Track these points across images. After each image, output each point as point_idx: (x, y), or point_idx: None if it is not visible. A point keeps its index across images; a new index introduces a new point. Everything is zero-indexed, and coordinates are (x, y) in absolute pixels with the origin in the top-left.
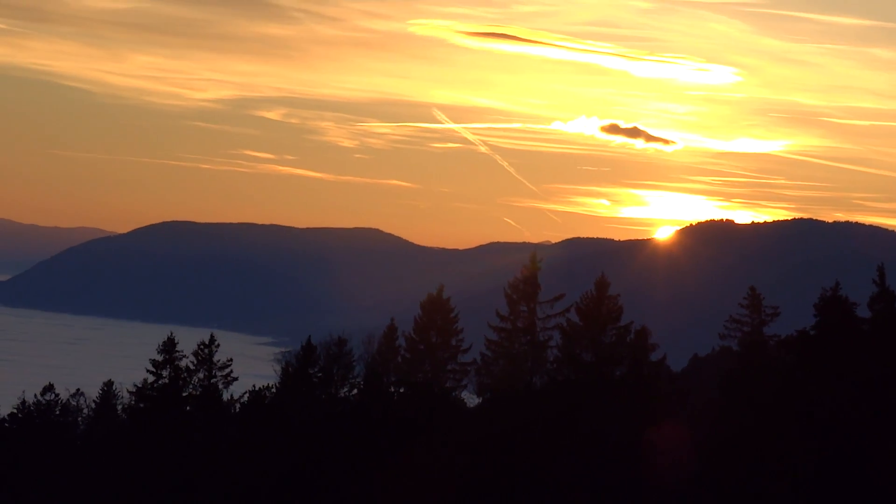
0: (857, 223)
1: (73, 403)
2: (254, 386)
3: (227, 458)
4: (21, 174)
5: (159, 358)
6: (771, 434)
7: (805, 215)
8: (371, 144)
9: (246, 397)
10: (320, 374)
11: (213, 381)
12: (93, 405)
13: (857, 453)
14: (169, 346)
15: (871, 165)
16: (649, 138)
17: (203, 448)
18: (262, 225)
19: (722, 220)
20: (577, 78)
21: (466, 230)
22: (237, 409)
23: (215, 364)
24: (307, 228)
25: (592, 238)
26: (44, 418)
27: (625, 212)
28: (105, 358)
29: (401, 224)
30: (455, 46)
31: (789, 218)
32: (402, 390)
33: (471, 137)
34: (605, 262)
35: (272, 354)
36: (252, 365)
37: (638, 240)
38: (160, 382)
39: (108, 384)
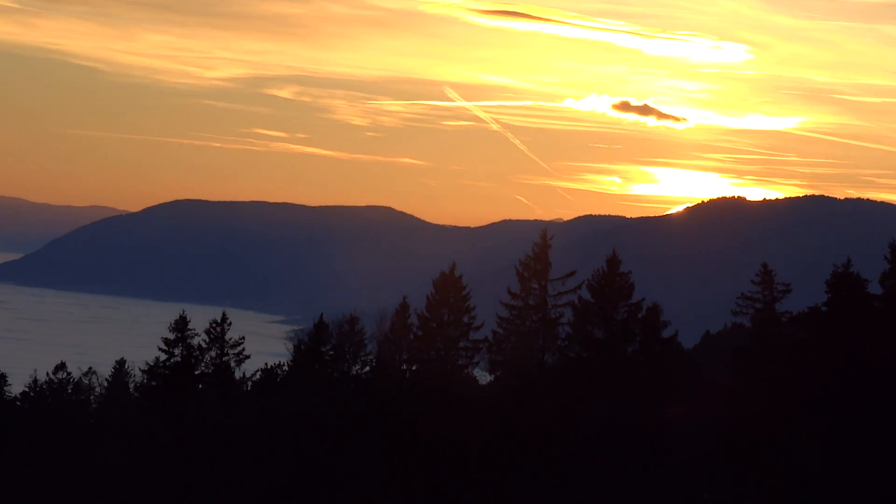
0: (868, 200)
1: (86, 382)
2: (266, 364)
3: (239, 435)
4: (32, 153)
5: (171, 336)
6: (783, 411)
7: (817, 192)
8: (383, 122)
9: (258, 375)
10: (332, 352)
11: (226, 359)
12: (105, 384)
13: (870, 430)
14: (181, 325)
15: (883, 142)
16: (661, 116)
17: (216, 426)
18: (275, 203)
19: (734, 197)
20: (589, 55)
21: (478, 208)
22: (249, 387)
23: (227, 342)
24: (319, 207)
25: (604, 215)
26: (56, 397)
27: (637, 189)
28: (117, 336)
29: (413, 202)
30: (466, 24)
31: (801, 195)
32: (414, 368)
33: (483, 115)
34: (616, 240)
35: (284, 332)
36: (264, 343)
37: (650, 217)
38: (172, 361)
39: (121, 363)
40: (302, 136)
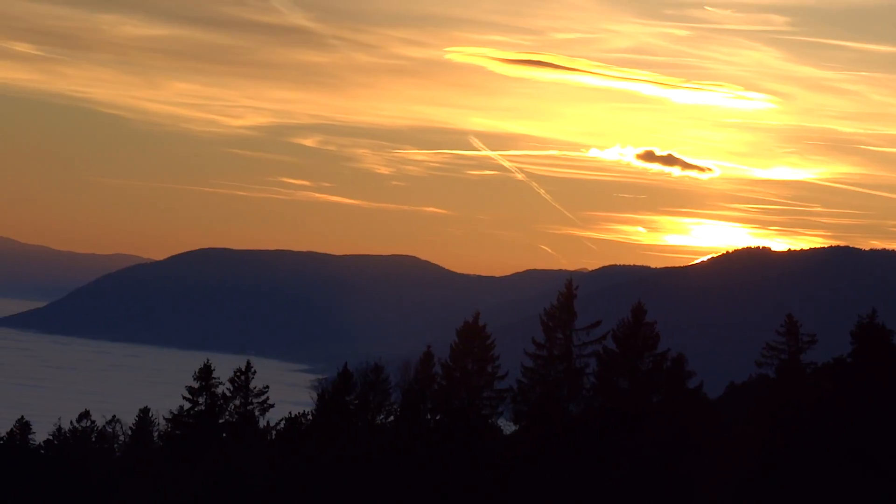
0: (893, 251)
1: (110, 430)
2: (290, 413)
3: (263, 484)
4: (58, 201)
5: (196, 385)
6: (808, 462)
7: (841, 243)
8: (407, 171)
9: (282, 424)
10: (357, 402)
11: (250, 408)
12: (129, 432)
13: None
14: (205, 373)
15: None
16: (685, 166)
17: (239, 475)
18: (299, 252)
19: (758, 247)
20: (613, 105)
21: (503, 257)
22: (273, 436)
23: (252, 391)
24: (343, 255)
25: (629, 265)
26: (80, 445)
27: (661, 239)
28: (141, 385)
29: (437, 251)
30: (492, 74)
31: (825, 245)
32: (438, 417)
33: (507, 164)
34: (641, 290)
35: (308, 381)
36: (288, 392)
37: (675, 267)
38: (197, 409)
39: (145, 411)
40: (326, 184)
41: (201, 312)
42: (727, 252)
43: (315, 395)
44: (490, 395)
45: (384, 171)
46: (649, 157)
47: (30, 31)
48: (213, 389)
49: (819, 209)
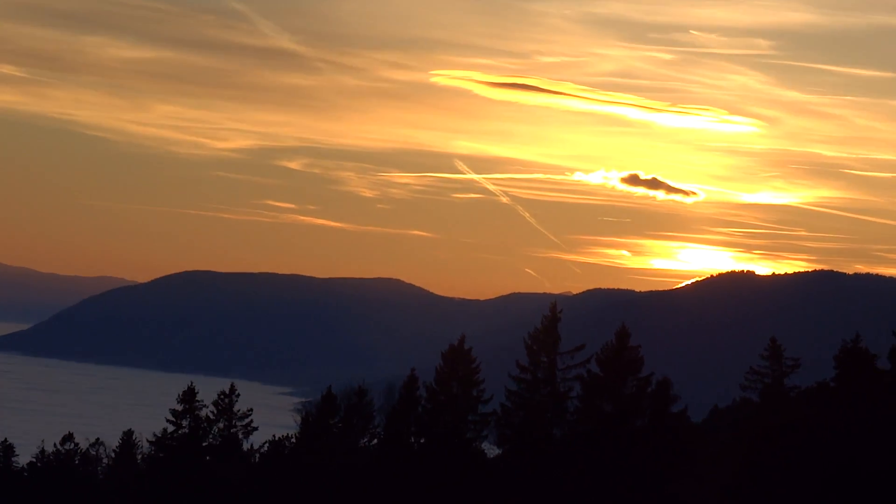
0: (877, 275)
1: (93, 453)
2: (274, 436)
3: None
4: (42, 223)
5: (179, 407)
6: (791, 486)
7: (825, 267)
8: (392, 194)
9: (266, 447)
10: (340, 425)
11: (233, 430)
12: (112, 455)
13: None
14: (189, 396)
15: (892, 217)
16: (670, 189)
17: (222, 498)
18: (284, 275)
19: (742, 271)
20: (598, 129)
21: (487, 281)
22: (257, 459)
23: (235, 414)
24: (328, 278)
25: (613, 289)
26: (63, 468)
27: (646, 263)
28: (125, 407)
29: (422, 274)
30: (477, 97)
31: (810, 269)
32: (422, 441)
33: (492, 188)
34: (625, 313)
35: (292, 404)
36: (272, 415)
37: (659, 291)
38: (180, 432)
39: (128, 434)
40: (311, 207)
41: (185, 335)
42: (711, 276)
43: (299, 418)
44: (475, 419)
45: (369, 193)
46: (634, 180)
47: (15, 52)
48: (196, 412)
49: (803, 233)
